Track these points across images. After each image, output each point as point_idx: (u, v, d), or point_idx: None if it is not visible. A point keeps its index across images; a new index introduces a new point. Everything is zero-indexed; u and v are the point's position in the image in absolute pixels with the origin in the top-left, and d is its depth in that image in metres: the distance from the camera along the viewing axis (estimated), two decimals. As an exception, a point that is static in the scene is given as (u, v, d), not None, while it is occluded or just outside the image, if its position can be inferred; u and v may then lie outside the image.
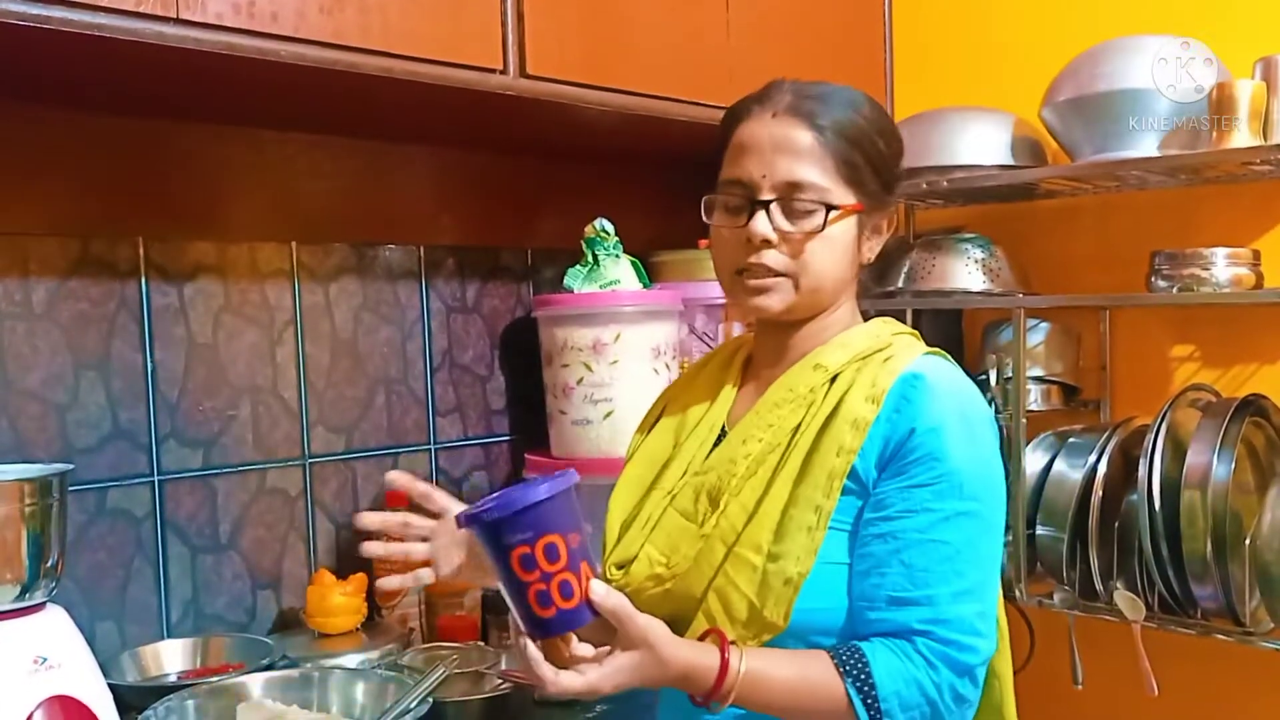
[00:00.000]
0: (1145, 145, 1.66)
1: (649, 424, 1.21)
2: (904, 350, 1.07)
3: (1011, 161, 1.81)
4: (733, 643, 0.97)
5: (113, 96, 1.41)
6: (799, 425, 1.04)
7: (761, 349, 1.15)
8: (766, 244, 1.04)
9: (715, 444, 1.11)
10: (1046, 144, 1.84)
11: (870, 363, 1.05)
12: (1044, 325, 1.87)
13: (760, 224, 1.03)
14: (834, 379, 1.05)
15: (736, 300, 1.08)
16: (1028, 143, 1.83)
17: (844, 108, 1.06)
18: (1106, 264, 1.88)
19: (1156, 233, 1.80)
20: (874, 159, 1.06)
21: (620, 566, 1.09)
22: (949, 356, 1.10)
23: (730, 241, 1.06)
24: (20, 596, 1.09)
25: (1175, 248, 1.67)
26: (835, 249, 1.05)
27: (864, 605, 0.99)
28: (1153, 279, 1.68)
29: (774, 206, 1.04)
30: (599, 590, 0.91)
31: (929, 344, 1.11)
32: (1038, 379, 1.85)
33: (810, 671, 0.97)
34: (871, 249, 1.11)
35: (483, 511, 0.90)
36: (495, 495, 0.93)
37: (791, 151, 1.03)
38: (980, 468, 1.01)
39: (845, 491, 1.00)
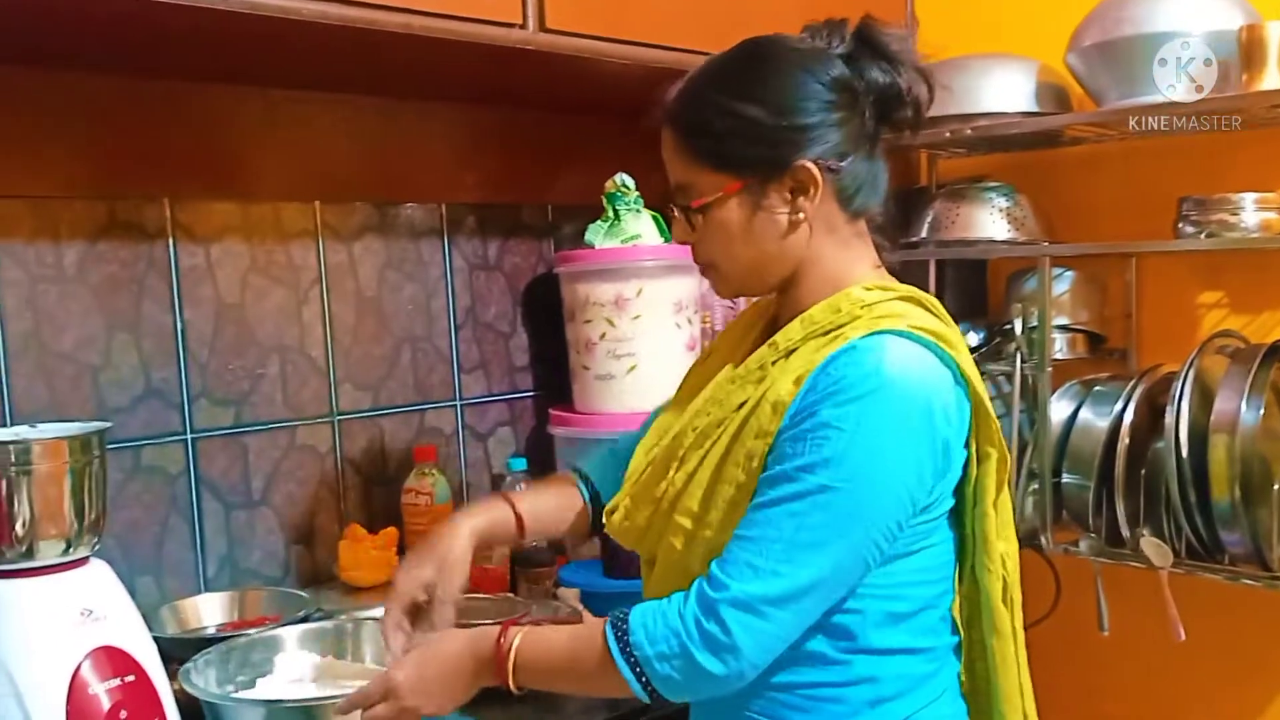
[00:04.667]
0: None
1: (697, 362, 1.21)
2: (862, 327, 0.97)
3: (1036, 108, 1.79)
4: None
5: (135, 60, 1.41)
6: (743, 403, 1.01)
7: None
8: (686, 243, 1.09)
9: None
10: (1071, 90, 1.82)
11: (823, 340, 0.99)
12: (1069, 274, 1.86)
13: (674, 231, 1.09)
14: (789, 355, 1.01)
15: None
16: (1052, 89, 1.81)
17: (694, 90, 1.04)
18: (1132, 211, 1.86)
19: (1183, 179, 1.78)
20: (741, 129, 1.01)
21: (611, 512, 1.12)
22: (932, 337, 0.98)
23: None
24: (65, 551, 1.11)
25: (1203, 193, 1.65)
26: (730, 236, 1.04)
27: None
28: (1180, 225, 1.67)
29: (676, 212, 1.07)
30: None
31: (950, 299, 1.05)
32: (1063, 328, 1.84)
33: (582, 630, 1.02)
34: (795, 211, 1.02)
35: None
36: None
37: (667, 158, 1.07)
38: (864, 449, 0.93)
39: (767, 470, 0.97)
